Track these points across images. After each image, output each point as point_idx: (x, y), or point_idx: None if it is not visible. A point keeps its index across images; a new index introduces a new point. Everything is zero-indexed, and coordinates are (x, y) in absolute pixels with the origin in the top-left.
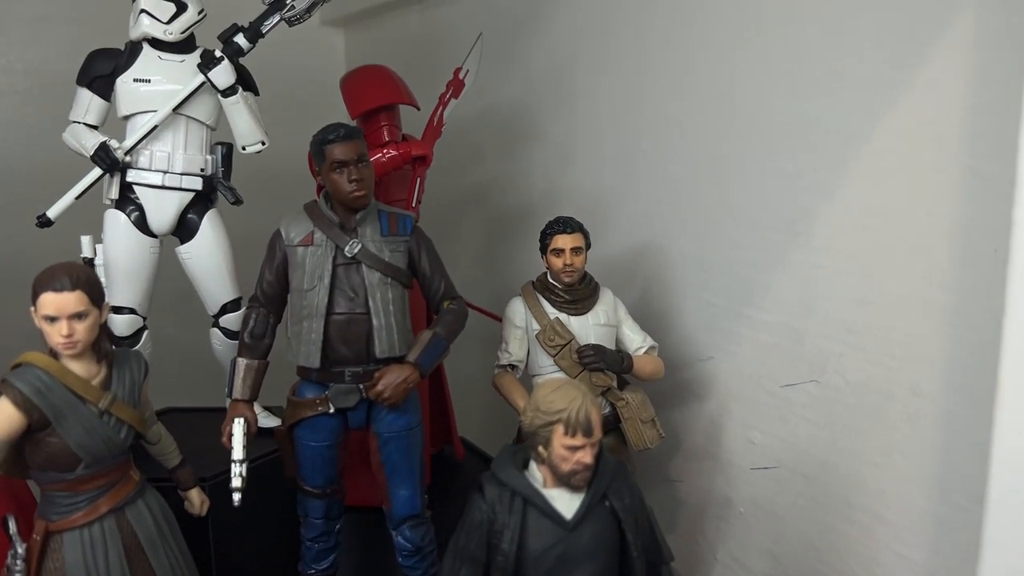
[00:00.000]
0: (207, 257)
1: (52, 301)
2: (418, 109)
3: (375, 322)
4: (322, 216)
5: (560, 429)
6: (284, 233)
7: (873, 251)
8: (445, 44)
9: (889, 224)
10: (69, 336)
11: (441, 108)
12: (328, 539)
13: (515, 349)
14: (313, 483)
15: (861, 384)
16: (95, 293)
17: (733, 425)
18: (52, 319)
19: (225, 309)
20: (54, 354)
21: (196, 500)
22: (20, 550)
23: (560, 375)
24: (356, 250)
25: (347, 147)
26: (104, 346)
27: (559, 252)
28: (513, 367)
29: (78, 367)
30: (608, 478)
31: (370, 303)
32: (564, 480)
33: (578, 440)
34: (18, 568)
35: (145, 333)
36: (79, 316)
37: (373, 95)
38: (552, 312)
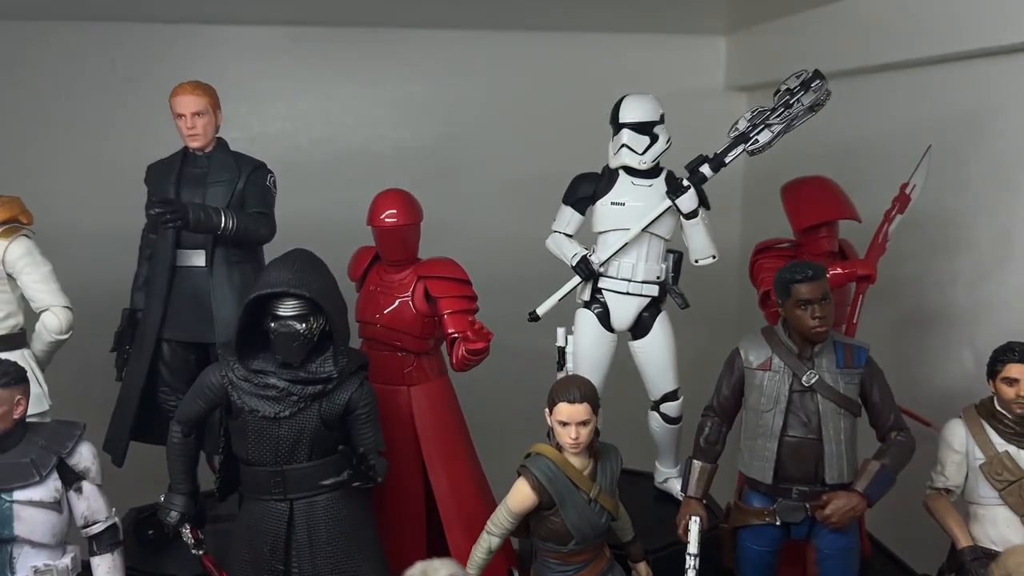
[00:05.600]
0: (656, 352)
1: (566, 410)
2: (859, 222)
3: (827, 449)
4: (781, 344)
5: None
6: (743, 355)
7: None
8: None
9: None
10: (576, 439)
11: (887, 225)
12: None
13: (952, 474)
14: None
15: None
16: (595, 404)
17: None
18: (564, 424)
19: (666, 397)
20: (558, 447)
21: (643, 572)
22: None
23: (1004, 510)
24: (813, 380)
25: (813, 287)
26: (595, 443)
27: (1012, 382)
28: (948, 491)
29: (575, 460)
30: None
31: (823, 431)
32: None
33: None
34: None
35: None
36: (584, 423)
37: (818, 210)
38: (1000, 443)
